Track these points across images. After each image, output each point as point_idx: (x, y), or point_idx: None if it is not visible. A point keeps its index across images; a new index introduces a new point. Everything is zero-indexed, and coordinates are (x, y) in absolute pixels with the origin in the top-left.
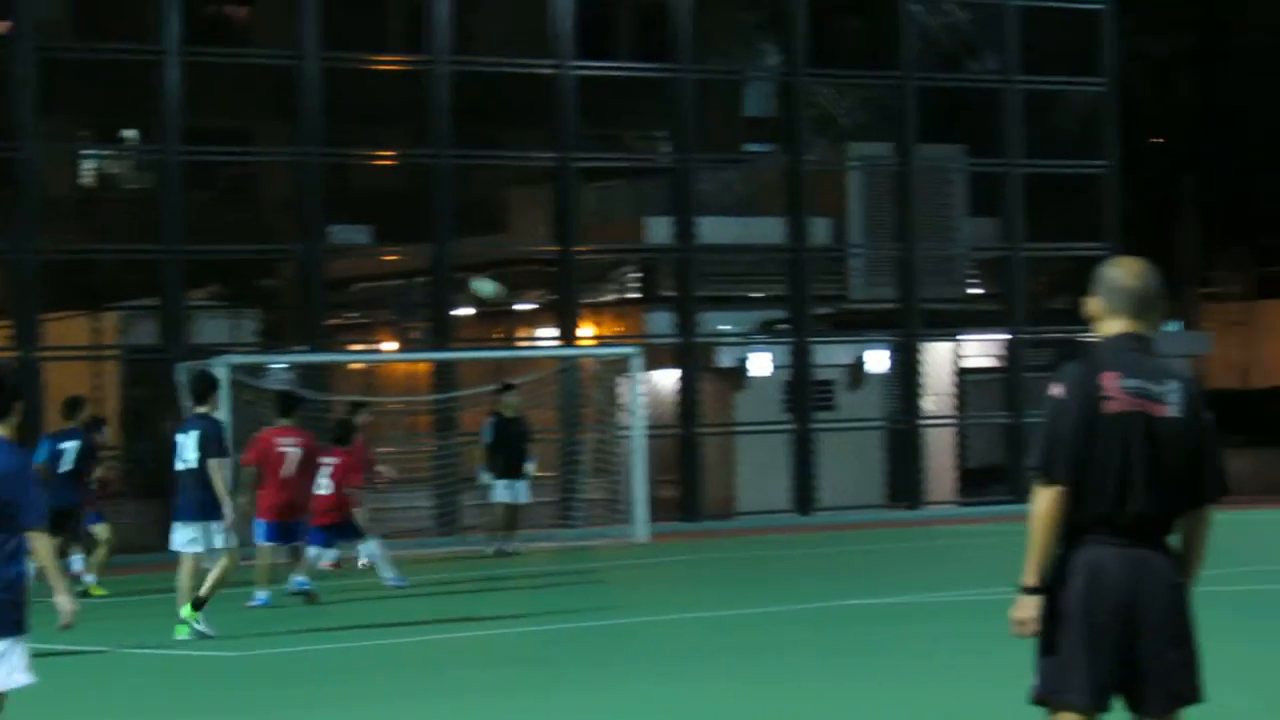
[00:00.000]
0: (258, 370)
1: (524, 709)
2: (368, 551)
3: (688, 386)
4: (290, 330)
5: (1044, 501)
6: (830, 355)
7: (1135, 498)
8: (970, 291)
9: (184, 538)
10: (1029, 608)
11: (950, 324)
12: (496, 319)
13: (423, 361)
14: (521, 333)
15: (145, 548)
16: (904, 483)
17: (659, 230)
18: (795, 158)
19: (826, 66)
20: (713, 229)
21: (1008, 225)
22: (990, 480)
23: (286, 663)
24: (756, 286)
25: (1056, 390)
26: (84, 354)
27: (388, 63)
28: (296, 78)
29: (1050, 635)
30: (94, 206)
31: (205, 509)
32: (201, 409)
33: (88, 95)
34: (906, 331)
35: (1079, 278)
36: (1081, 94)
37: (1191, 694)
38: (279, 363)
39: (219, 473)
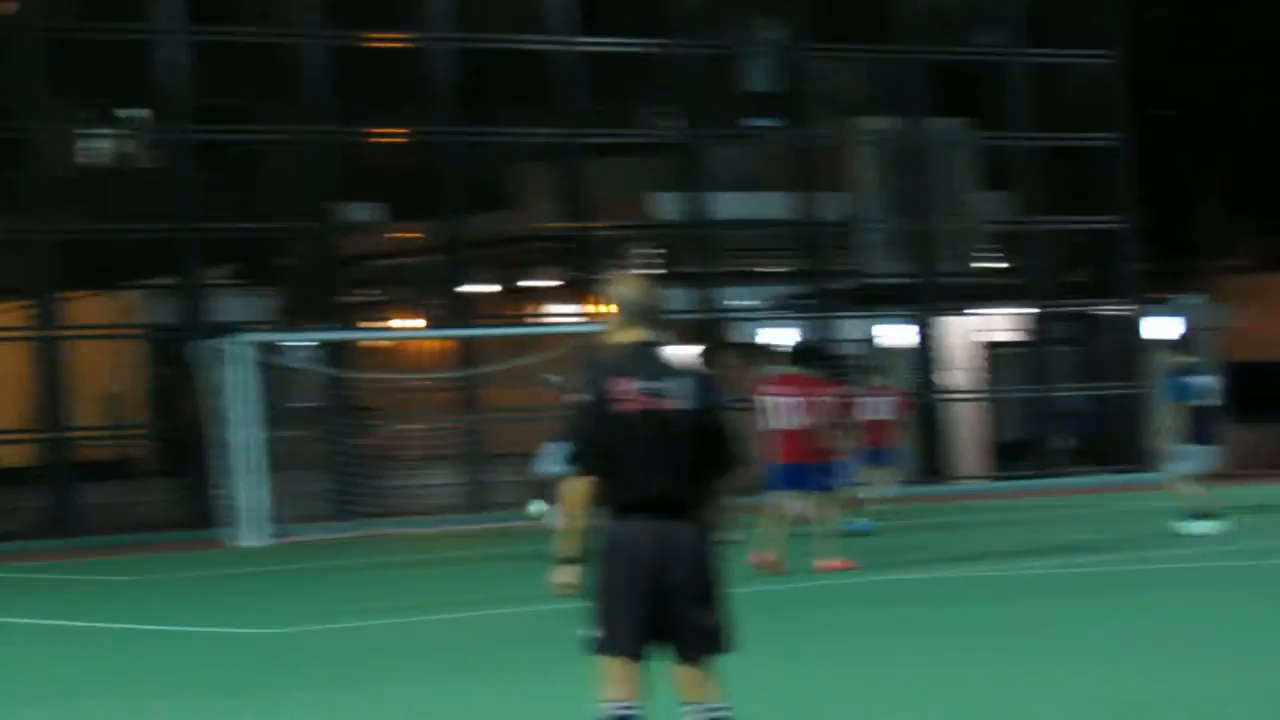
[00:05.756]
0: (277, 348)
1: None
2: None
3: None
4: (307, 308)
5: (578, 488)
6: (848, 330)
7: (658, 481)
8: (983, 265)
9: None
10: (568, 575)
11: (964, 298)
12: (515, 296)
13: (441, 338)
14: (538, 309)
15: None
16: (932, 457)
17: (669, 206)
18: (802, 132)
19: (829, 41)
20: (724, 205)
21: (1020, 198)
22: (1021, 454)
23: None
24: (772, 262)
25: (577, 396)
26: (104, 333)
27: (391, 40)
28: (299, 56)
29: (600, 598)
30: (105, 186)
31: None
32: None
33: (93, 75)
34: (924, 306)
35: (1093, 251)
36: (1088, 65)
37: (715, 645)
38: (301, 341)
39: None
